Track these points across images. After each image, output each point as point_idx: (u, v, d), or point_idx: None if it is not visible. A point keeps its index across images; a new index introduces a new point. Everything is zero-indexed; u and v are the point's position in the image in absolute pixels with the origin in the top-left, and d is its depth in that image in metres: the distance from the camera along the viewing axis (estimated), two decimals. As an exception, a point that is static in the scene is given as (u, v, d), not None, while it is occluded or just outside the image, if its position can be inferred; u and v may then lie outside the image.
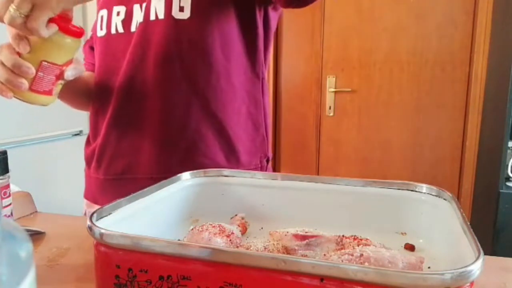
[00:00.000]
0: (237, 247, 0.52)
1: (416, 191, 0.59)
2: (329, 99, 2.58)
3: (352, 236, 0.51)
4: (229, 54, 0.77)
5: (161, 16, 0.73)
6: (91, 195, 0.87)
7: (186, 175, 0.65)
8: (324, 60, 2.57)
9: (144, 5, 0.76)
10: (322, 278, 0.34)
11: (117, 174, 0.80)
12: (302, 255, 0.49)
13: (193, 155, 0.77)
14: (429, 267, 0.48)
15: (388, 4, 2.41)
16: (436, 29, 2.35)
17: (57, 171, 2.39)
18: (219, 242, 0.50)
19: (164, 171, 0.73)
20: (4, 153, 0.57)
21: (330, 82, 2.57)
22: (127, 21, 0.77)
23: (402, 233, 0.59)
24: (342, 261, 0.42)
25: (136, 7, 0.76)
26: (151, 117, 0.77)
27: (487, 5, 2.20)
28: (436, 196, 0.57)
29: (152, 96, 0.76)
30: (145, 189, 0.56)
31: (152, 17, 0.74)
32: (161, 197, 0.58)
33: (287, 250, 0.51)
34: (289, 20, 2.66)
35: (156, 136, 0.77)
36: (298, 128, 2.70)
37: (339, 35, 2.53)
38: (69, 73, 0.69)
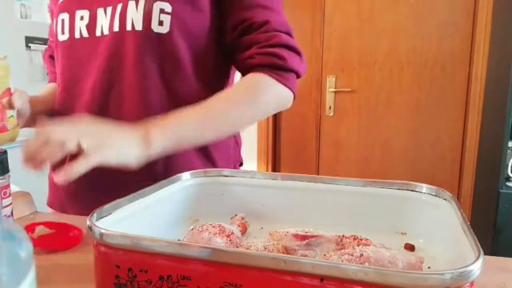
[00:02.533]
0: (237, 247, 0.52)
1: (416, 191, 0.59)
2: (329, 99, 2.58)
3: (352, 236, 0.51)
4: (201, 68, 0.78)
5: (138, 27, 0.72)
6: (58, 204, 0.85)
7: (186, 175, 0.66)
8: (324, 60, 2.57)
9: (109, 10, 0.75)
10: (322, 278, 0.34)
11: (91, 182, 0.75)
12: (302, 255, 0.49)
13: (173, 165, 0.76)
14: (429, 267, 0.48)
15: (388, 4, 2.41)
16: (436, 29, 2.35)
17: (57, 171, 2.38)
18: (219, 242, 0.50)
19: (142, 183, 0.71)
20: (4, 153, 0.57)
21: (330, 82, 2.57)
22: (91, 26, 0.76)
23: (402, 233, 0.59)
24: (342, 261, 0.42)
25: (100, 11, 0.75)
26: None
27: (487, 5, 2.20)
28: (436, 196, 0.57)
29: (130, 106, 0.75)
30: (145, 189, 0.56)
31: (129, 28, 0.73)
32: (161, 197, 0.59)
33: (287, 250, 0.51)
34: (289, 20, 2.65)
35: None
36: (298, 128, 2.70)
37: (339, 35, 2.53)
38: (18, 103, 0.69)
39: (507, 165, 1.91)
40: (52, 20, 0.85)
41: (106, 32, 0.75)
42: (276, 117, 2.73)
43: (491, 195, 1.99)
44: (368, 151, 2.55)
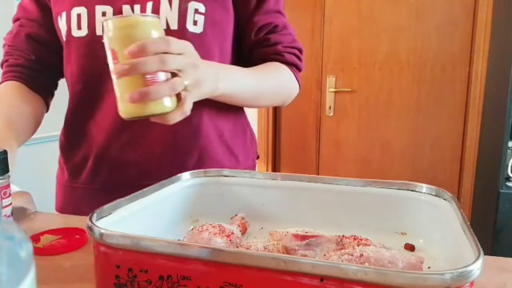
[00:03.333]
0: (237, 247, 0.52)
1: (416, 191, 0.59)
2: (329, 99, 2.58)
3: (352, 236, 0.51)
4: None
5: (173, 27, 0.73)
6: (72, 206, 0.84)
7: (186, 175, 0.66)
8: (324, 60, 2.57)
9: (136, 7, 0.73)
10: (322, 278, 0.34)
11: (120, 184, 0.77)
12: (302, 255, 0.49)
13: (205, 161, 0.79)
14: (429, 267, 0.48)
15: (388, 4, 2.41)
16: (436, 29, 2.35)
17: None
18: (219, 242, 0.50)
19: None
20: (4, 153, 0.57)
21: (330, 82, 2.57)
22: None
23: (402, 233, 0.59)
24: (342, 261, 0.42)
25: (126, 8, 0.74)
26: (163, 126, 0.75)
27: (487, 5, 2.20)
28: (436, 196, 0.57)
29: None
30: (145, 189, 0.56)
31: (163, 27, 0.72)
32: (161, 197, 0.59)
33: (287, 250, 0.51)
34: (289, 20, 2.65)
35: (169, 145, 0.77)
36: (298, 128, 2.70)
37: (339, 35, 2.53)
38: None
39: (507, 165, 1.91)
40: (55, 12, 0.80)
41: None
42: (276, 117, 2.73)
43: (491, 195, 1.99)
44: (368, 151, 2.55)
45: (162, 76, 0.55)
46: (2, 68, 0.86)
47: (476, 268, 0.33)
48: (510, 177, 1.93)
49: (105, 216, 0.48)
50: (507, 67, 1.87)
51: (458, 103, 2.37)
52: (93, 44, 0.76)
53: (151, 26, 0.56)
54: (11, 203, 0.62)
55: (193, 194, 0.65)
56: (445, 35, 2.34)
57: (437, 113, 2.41)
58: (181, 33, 0.73)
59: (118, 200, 0.51)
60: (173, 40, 0.56)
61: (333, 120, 2.60)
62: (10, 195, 0.61)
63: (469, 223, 0.43)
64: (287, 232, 0.52)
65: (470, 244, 0.39)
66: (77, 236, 0.66)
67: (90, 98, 0.79)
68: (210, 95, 0.65)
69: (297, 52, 0.84)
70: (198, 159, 0.78)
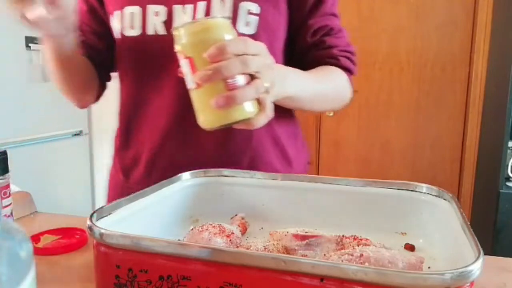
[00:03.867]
0: (237, 247, 0.52)
1: (416, 191, 0.59)
2: (329, 99, 2.58)
3: (352, 236, 0.51)
4: None
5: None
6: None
7: (186, 175, 0.66)
8: (324, 60, 2.57)
9: (188, 7, 0.72)
10: (322, 278, 0.34)
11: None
12: (302, 255, 0.49)
13: (257, 163, 0.77)
14: (429, 267, 0.48)
15: (388, 4, 2.41)
16: (436, 29, 2.34)
17: (57, 171, 2.39)
18: (219, 242, 0.50)
19: None
20: (4, 153, 0.57)
21: (330, 82, 2.57)
22: (169, 23, 0.73)
23: (402, 233, 0.59)
24: (342, 261, 0.42)
25: (177, 8, 0.73)
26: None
27: (487, 5, 2.20)
28: (436, 196, 0.57)
29: None
30: (145, 189, 0.56)
31: None
32: (161, 197, 0.59)
33: (287, 250, 0.51)
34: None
35: (221, 147, 0.76)
36: (298, 128, 2.70)
37: (339, 35, 2.53)
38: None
39: (507, 165, 1.91)
40: (109, 11, 0.79)
41: None
42: (276, 117, 2.73)
43: (491, 195, 1.98)
44: (368, 151, 2.55)
45: (242, 79, 0.52)
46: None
47: (476, 268, 0.33)
48: (510, 177, 1.93)
49: (105, 216, 0.48)
50: (507, 67, 1.87)
51: (458, 103, 2.37)
52: (145, 44, 0.75)
53: (225, 28, 0.53)
54: (11, 203, 0.62)
55: (193, 194, 0.65)
56: (445, 35, 2.34)
57: (437, 113, 2.41)
58: None
59: (118, 200, 0.51)
60: (249, 40, 0.54)
61: (333, 120, 2.60)
62: (10, 195, 0.61)
63: (469, 223, 0.43)
64: (287, 232, 0.52)
65: (470, 244, 0.39)
66: (77, 236, 0.66)
67: (142, 98, 0.79)
68: (279, 96, 0.62)
69: (351, 56, 0.83)
70: (250, 162, 0.77)
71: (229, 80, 0.51)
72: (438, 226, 0.54)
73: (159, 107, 0.77)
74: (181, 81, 0.71)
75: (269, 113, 0.56)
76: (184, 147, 0.76)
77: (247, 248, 0.49)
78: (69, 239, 0.65)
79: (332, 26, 0.81)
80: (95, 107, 2.60)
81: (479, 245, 0.37)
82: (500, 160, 1.89)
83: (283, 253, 0.50)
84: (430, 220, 0.56)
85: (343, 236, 0.51)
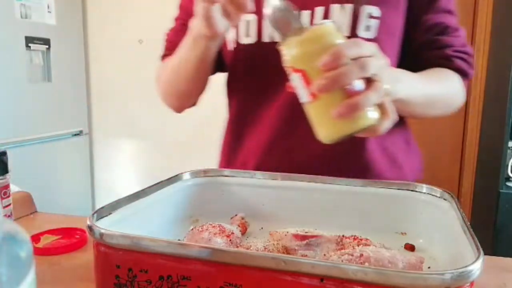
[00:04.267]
0: (237, 247, 0.52)
1: (416, 191, 0.59)
2: (329, 99, 2.58)
3: (352, 236, 0.51)
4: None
5: (344, 32, 0.69)
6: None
7: (186, 175, 0.65)
8: (324, 60, 2.57)
9: (305, 13, 0.70)
10: (322, 278, 0.34)
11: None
12: (302, 255, 0.49)
13: (367, 174, 0.74)
14: (429, 267, 0.48)
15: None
16: (436, 29, 2.34)
17: (57, 171, 2.39)
18: (219, 242, 0.50)
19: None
20: (4, 153, 0.57)
21: (330, 82, 2.56)
22: None
23: (402, 233, 0.59)
24: (342, 261, 0.42)
25: None
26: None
27: (487, 5, 2.20)
28: (436, 196, 0.57)
29: None
30: (145, 189, 0.56)
31: None
32: (161, 197, 0.58)
33: (287, 250, 0.51)
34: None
35: (328, 157, 0.73)
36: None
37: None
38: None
39: (507, 165, 1.91)
40: None
41: None
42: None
43: (491, 195, 1.98)
44: (368, 151, 2.55)
45: (360, 84, 0.48)
46: (162, 60, 0.87)
47: (476, 268, 0.33)
48: (510, 177, 1.93)
49: (105, 216, 0.48)
50: (507, 67, 1.87)
51: (458, 103, 2.37)
52: (260, 51, 0.74)
53: (334, 33, 0.50)
54: (11, 203, 0.62)
55: (193, 194, 0.65)
56: (445, 35, 2.34)
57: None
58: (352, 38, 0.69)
59: (118, 200, 0.51)
60: (361, 41, 0.51)
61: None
62: (10, 195, 0.61)
63: (469, 223, 0.43)
64: (287, 232, 0.52)
65: (470, 244, 0.39)
66: (77, 236, 0.66)
67: (253, 106, 0.78)
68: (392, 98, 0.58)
69: (467, 57, 0.78)
70: (360, 171, 0.74)
71: (347, 87, 0.47)
72: (438, 226, 0.54)
73: (267, 116, 0.75)
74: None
75: (393, 116, 0.52)
76: (289, 157, 0.75)
77: (247, 248, 0.49)
78: (69, 239, 0.65)
79: (447, 24, 0.76)
80: (95, 107, 2.62)
81: (479, 245, 0.37)
82: (500, 160, 1.89)
83: (283, 253, 0.50)
84: (430, 220, 0.56)
85: (343, 236, 0.51)
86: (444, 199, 0.55)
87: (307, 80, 0.48)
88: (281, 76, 0.72)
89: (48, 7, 2.26)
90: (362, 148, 0.74)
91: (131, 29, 2.44)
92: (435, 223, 0.55)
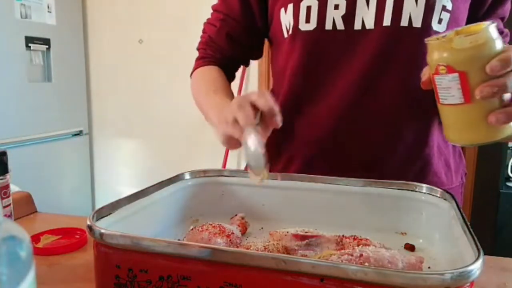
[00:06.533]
0: (237, 247, 0.52)
1: (416, 191, 0.59)
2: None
3: (352, 236, 0.51)
4: None
5: (416, 24, 0.66)
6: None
7: (186, 175, 0.65)
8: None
9: (372, 1, 0.67)
10: (322, 278, 0.34)
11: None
12: (302, 255, 0.49)
13: (426, 173, 0.74)
14: (429, 267, 0.48)
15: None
16: (436, 29, 2.34)
17: (57, 171, 2.39)
18: (219, 242, 0.50)
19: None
20: (4, 153, 0.57)
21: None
22: (348, 17, 0.68)
23: (402, 233, 0.59)
24: (342, 261, 0.42)
25: (360, 1, 0.68)
26: (385, 127, 0.71)
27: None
28: (436, 196, 0.57)
29: (395, 111, 0.70)
30: (145, 189, 0.56)
31: (404, 23, 0.66)
32: (161, 197, 0.58)
33: (287, 250, 0.51)
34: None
35: (390, 151, 0.72)
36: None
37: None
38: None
39: (507, 165, 1.91)
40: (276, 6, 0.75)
41: (370, 26, 0.68)
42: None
43: (491, 195, 1.99)
44: (368, 151, 2.55)
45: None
46: (198, 49, 0.87)
47: (476, 268, 0.33)
48: (510, 177, 1.93)
49: (105, 216, 0.48)
50: (507, 67, 1.87)
51: (458, 103, 2.36)
52: (320, 39, 0.71)
53: (497, 36, 0.48)
54: (11, 203, 0.62)
55: (193, 194, 0.65)
56: (445, 35, 2.34)
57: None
58: (424, 31, 0.66)
59: (118, 200, 0.51)
60: None
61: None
62: (10, 195, 0.61)
63: (469, 223, 0.43)
64: (287, 232, 0.52)
65: (470, 244, 0.39)
66: (77, 236, 0.66)
67: (307, 93, 0.74)
68: None
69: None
70: (420, 170, 0.73)
71: (505, 95, 0.48)
72: (438, 226, 0.54)
73: (323, 104, 0.73)
74: (360, 75, 0.69)
75: None
76: (351, 148, 0.73)
77: (247, 248, 0.49)
78: (69, 239, 0.65)
79: (505, 14, 0.76)
80: (95, 107, 2.62)
81: (479, 245, 0.37)
82: (500, 160, 1.89)
83: (283, 253, 0.50)
84: (430, 220, 0.56)
85: (343, 236, 0.51)
86: (444, 199, 0.55)
87: (465, 82, 0.48)
88: (341, 65, 0.70)
89: (48, 7, 2.26)
90: (425, 145, 0.73)
91: (131, 29, 2.44)
92: (435, 223, 0.55)
